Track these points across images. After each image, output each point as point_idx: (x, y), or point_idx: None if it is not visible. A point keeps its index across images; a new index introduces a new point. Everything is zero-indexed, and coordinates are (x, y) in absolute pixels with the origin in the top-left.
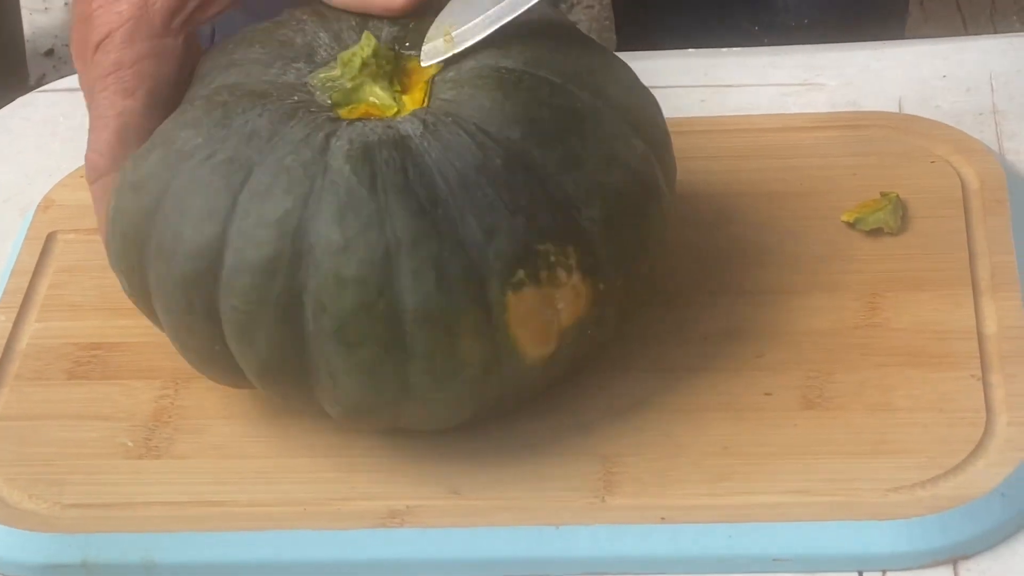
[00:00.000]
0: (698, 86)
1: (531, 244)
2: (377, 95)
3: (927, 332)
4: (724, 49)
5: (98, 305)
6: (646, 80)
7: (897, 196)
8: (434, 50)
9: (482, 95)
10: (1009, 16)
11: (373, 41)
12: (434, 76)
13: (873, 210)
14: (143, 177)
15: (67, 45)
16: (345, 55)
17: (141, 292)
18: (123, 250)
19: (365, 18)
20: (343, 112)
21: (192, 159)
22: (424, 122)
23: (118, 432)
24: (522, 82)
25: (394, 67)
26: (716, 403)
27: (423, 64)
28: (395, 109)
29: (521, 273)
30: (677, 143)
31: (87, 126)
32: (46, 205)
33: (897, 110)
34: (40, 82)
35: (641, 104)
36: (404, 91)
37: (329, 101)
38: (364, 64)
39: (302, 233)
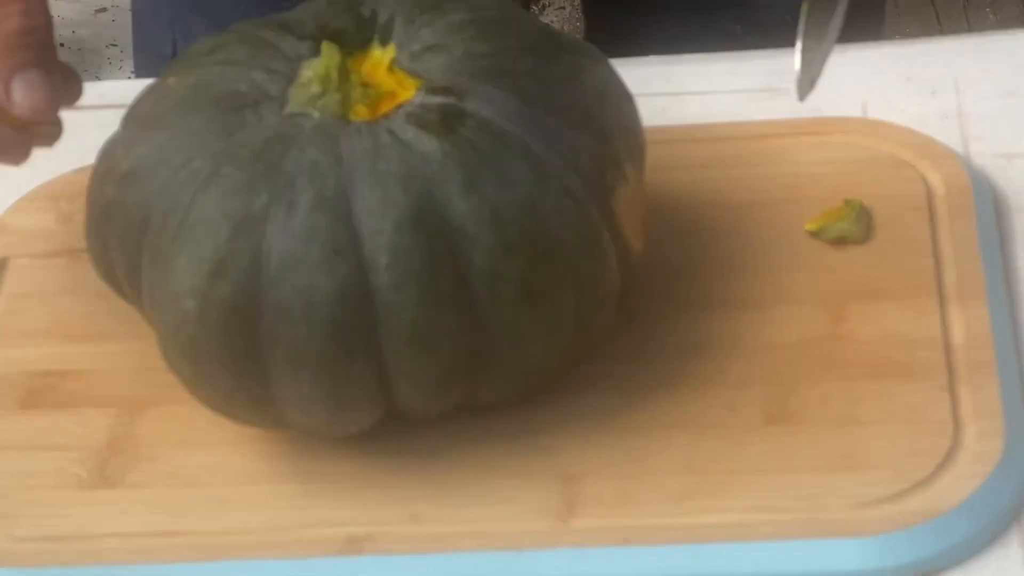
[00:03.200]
0: (659, 94)
1: (601, 150)
2: (376, 85)
3: (893, 343)
4: (684, 56)
5: (52, 331)
6: None
7: (861, 204)
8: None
9: (473, 46)
10: (982, 8)
11: (335, 50)
12: (393, 61)
13: (837, 219)
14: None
15: None
16: (319, 70)
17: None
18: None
19: (277, 48)
20: (359, 115)
21: (275, 221)
22: (453, 92)
23: (72, 462)
24: (489, 24)
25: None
26: (679, 420)
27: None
28: (407, 89)
29: (609, 177)
30: None
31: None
32: None
33: (861, 114)
34: None
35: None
36: (368, 83)
37: (331, 114)
38: (339, 70)
39: (444, 220)
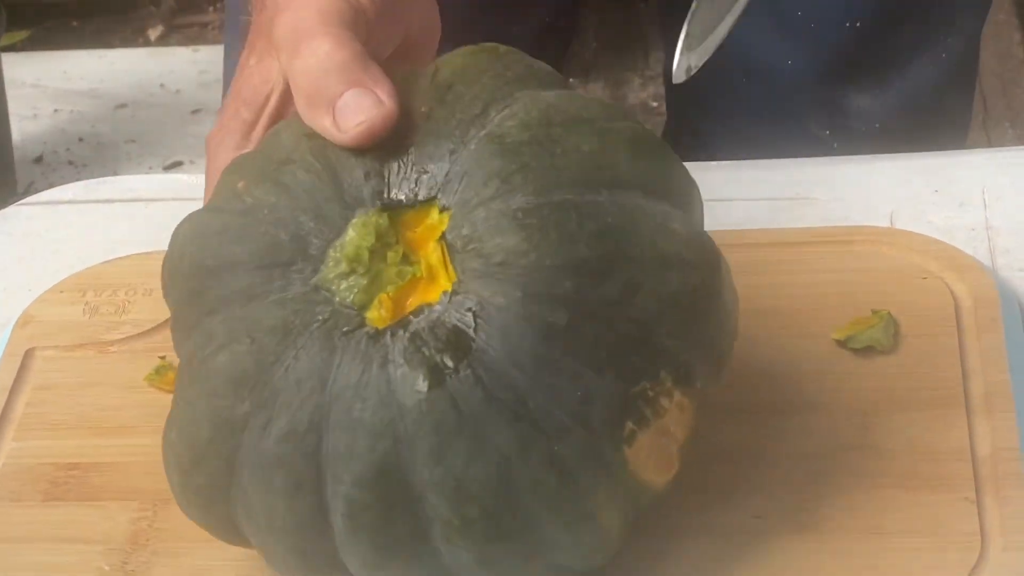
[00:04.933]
0: None
1: (627, 393)
2: (416, 257)
3: (920, 453)
4: (712, 163)
5: (76, 424)
6: None
7: (889, 314)
8: (681, 67)
9: (513, 255)
10: (1001, 123)
11: (371, 229)
12: (444, 233)
13: (864, 328)
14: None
15: (55, 152)
16: (348, 251)
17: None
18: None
19: (339, 185)
20: (373, 317)
21: (250, 435)
22: (473, 313)
23: (94, 556)
24: (546, 221)
25: (397, 233)
26: (706, 526)
27: (677, 81)
28: (438, 293)
29: (629, 424)
30: None
31: (69, 239)
32: (25, 321)
33: (889, 225)
34: (28, 189)
35: (656, 167)
36: (414, 250)
37: (350, 303)
38: (371, 252)
39: (406, 484)
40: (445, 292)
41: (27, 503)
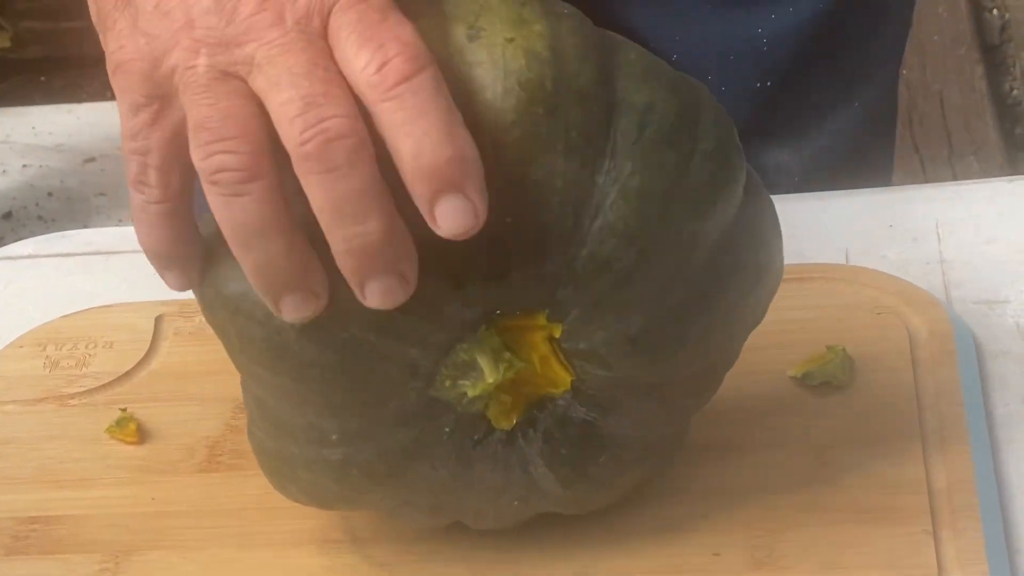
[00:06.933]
0: None
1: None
2: (517, 371)
3: (877, 487)
4: None
5: (38, 477)
6: None
7: (844, 349)
8: None
9: (637, 373)
10: (966, 156)
11: (502, 366)
12: (559, 340)
13: (820, 364)
14: None
15: (25, 207)
16: (478, 390)
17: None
18: None
19: (440, 316)
20: (495, 415)
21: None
22: (602, 404)
23: None
24: (664, 339)
25: (502, 337)
26: (663, 565)
27: None
28: (555, 384)
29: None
30: None
31: (28, 293)
32: None
33: (844, 261)
34: None
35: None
36: (516, 340)
37: (475, 411)
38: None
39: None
40: (567, 391)
41: None
